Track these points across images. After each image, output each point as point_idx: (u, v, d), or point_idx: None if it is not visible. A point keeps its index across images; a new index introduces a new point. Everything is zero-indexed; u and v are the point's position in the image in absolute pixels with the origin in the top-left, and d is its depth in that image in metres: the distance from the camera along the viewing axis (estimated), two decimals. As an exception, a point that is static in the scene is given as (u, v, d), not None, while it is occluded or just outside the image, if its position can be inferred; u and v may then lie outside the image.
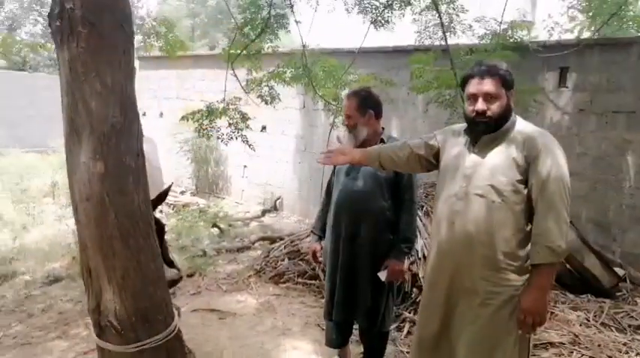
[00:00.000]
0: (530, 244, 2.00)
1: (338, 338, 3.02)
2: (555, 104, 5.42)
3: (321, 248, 3.03)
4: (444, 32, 4.73)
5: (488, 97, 2.05)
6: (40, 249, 5.95)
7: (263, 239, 6.03)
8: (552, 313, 3.87)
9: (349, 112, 2.84)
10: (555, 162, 1.97)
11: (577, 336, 3.47)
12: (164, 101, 10.70)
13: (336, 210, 2.86)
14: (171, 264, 3.07)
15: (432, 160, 2.33)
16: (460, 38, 5.63)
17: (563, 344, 3.39)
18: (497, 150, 2.06)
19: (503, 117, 2.06)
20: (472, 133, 2.13)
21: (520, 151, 2.01)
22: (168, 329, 2.63)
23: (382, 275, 2.73)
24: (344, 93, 4.31)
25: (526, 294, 1.97)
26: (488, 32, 5.39)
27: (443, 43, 5.56)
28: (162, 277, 2.65)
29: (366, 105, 2.82)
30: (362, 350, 3.06)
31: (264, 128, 8.58)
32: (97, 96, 2.36)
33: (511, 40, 5.36)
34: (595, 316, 3.82)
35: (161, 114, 10.72)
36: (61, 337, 3.58)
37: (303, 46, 4.89)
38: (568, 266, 4.33)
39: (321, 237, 3.05)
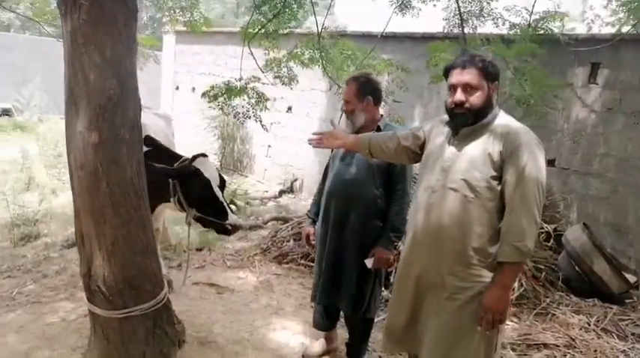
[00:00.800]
0: None
1: (325, 322, 3.07)
2: (583, 101, 5.20)
3: (314, 231, 3.04)
4: (461, 20, 4.59)
5: (468, 88, 2.00)
6: (65, 213, 6.20)
7: (276, 219, 6.09)
8: (553, 315, 3.80)
9: (348, 98, 2.82)
10: (532, 160, 1.91)
11: (574, 340, 3.40)
12: (197, 76, 10.83)
13: (327, 195, 2.87)
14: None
15: (417, 151, 2.30)
16: (487, 28, 5.45)
17: (558, 346, 3.33)
18: (475, 144, 2.02)
19: (483, 109, 2.01)
20: (452, 125, 2.10)
21: (497, 146, 1.96)
22: (156, 299, 2.72)
23: (368, 263, 2.73)
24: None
25: (488, 291, 1.95)
26: (517, 23, 5.17)
27: (475, 31, 5.42)
28: (152, 247, 2.73)
29: (365, 91, 2.79)
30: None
31: (289, 109, 8.61)
32: (96, 68, 2.42)
33: (541, 32, 5.13)
34: (597, 321, 3.72)
35: (193, 89, 10.86)
36: (69, 298, 3.74)
37: (321, 29, 4.83)
38: (577, 268, 4.21)
39: (315, 221, 3.06)
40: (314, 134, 2.56)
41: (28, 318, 3.35)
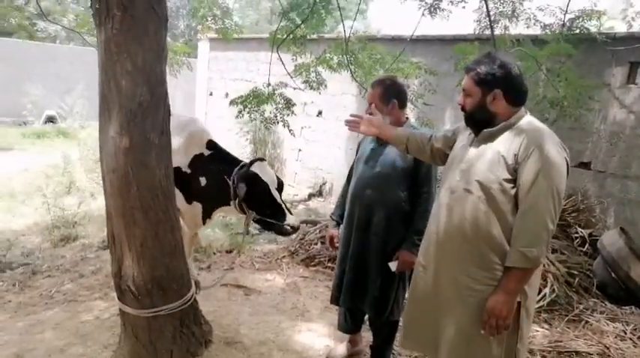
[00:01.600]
0: None
1: (349, 324, 3.07)
2: (621, 101, 5.03)
3: (338, 234, 3.05)
4: (490, 21, 4.52)
5: (465, 93, 2.09)
6: (102, 216, 6.31)
7: (305, 222, 6.10)
8: (587, 322, 3.69)
9: (373, 101, 2.83)
10: (549, 164, 1.86)
11: (607, 348, 3.29)
12: (230, 82, 11.03)
13: (352, 198, 2.87)
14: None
15: (448, 153, 2.31)
16: (519, 28, 5.36)
17: (591, 354, 3.24)
18: (492, 147, 2.01)
19: (472, 114, 2.06)
20: (470, 127, 2.13)
21: (513, 150, 1.94)
22: (183, 299, 2.79)
23: (393, 266, 2.71)
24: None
25: (493, 295, 1.92)
26: (551, 23, 5.07)
27: (506, 32, 5.34)
28: (179, 249, 2.80)
29: (390, 94, 2.80)
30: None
31: (320, 113, 8.66)
32: (127, 75, 2.51)
33: (576, 31, 5.00)
34: (634, 329, 3.59)
35: (226, 95, 11.05)
36: (103, 298, 3.87)
37: (351, 33, 4.85)
38: (613, 275, 4.07)
39: (339, 223, 3.07)
40: (352, 116, 2.57)
41: (65, 316, 3.49)
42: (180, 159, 3.53)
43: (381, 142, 2.84)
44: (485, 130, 2.04)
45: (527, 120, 2.04)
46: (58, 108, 14.71)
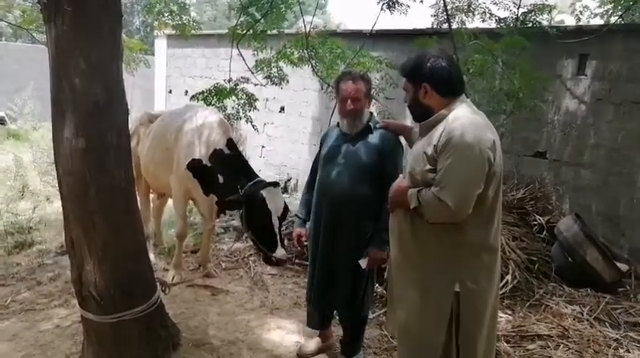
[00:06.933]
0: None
1: (319, 320, 3.07)
2: (572, 92, 5.22)
3: (306, 232, 3.01)
4: (447, 15, 4.60)
5: (405, 91, 2.23)
6: (59, 220, 6.12)
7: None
8: (547, 306, 3.82)
9: (359, 96, 2.71)
10: (461, 152, 1.90)
11: (567, 330, 3.42)
12: (189, 79, 10.83)
13: (318, 196, 2.84)
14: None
15: None
16: (475, 22, 5.48)
17: (551, 337, 3.35)
18: (422, 140, 2.11)
19: (411, 109, 2.20)
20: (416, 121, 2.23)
21: (434, 141, 1.97)
22: (148, 303, 2.72)
23: (363, 263, 2.70)
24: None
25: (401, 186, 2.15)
26: (505, 17, 5.20)
27: (462, 26, 5.44)
28: (143, 252, 2.74)
29: (370, 90, 2.82)
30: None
31: (282, 109, 8.62)
32: (81, 74, 2.42)
33: (529, 25, 5.15)
34: (590, 311, 3.74)
35: (186, 92, 10.84)
36: (63, 305, 3.74)
37: (311, 28, 4.84)
38: (569, 259, 4.23)
39: (305, 221, 3.02)
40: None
41: (22, 326, 3.36)
42: (200, 151, 3.69)
43: (345, 138, 2.81)
44: (421, 123, 2.14)
45: (458, 110, 2.02)
46: (6, 109, 14.06)
